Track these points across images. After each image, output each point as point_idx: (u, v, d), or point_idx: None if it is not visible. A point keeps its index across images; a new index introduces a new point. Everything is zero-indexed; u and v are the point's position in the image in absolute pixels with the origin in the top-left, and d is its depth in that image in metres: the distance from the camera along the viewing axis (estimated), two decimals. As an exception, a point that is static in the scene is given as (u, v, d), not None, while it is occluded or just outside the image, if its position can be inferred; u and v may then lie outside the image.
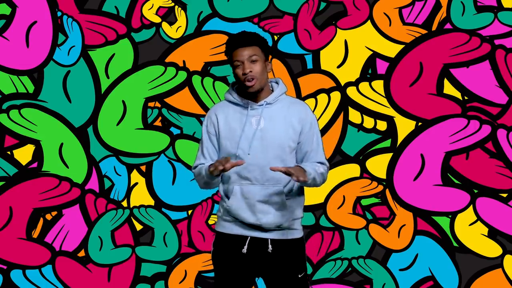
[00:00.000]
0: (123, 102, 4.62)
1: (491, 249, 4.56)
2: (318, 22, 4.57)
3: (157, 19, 4.63)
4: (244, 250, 3.13)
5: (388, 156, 4.57)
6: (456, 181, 4.54)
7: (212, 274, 4.61)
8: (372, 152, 4.58)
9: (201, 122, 4.60)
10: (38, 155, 4.64)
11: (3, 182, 4.66)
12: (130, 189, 4.66)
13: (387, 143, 4.58)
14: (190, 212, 4.65)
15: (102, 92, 4.62)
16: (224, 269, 3.17)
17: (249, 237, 3.13)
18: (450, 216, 4.56)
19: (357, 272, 4.63)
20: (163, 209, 4.65)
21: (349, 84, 4.57)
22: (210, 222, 4.64)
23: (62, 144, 4.64)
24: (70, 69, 4.62)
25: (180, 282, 4.68)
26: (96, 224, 4.65)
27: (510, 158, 4.51)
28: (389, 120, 4.57)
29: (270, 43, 4.23)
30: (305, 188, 3.21)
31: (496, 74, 4.50)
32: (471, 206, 4.54)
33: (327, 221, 4.61)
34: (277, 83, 3.20)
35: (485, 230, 4.55)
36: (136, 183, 4.66)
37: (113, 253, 4.67)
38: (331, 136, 4.56)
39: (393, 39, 4.54)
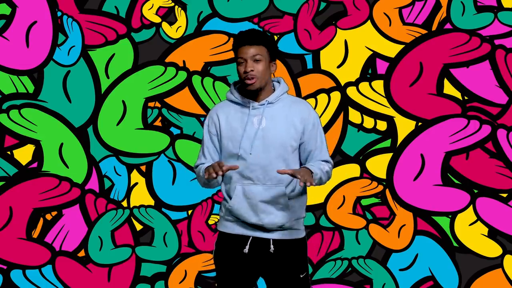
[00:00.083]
0: (123, 102, 4.61)
1: (491, 249, 4.56)
2: (318, 22, 4.57)
3: (157, 19, 4.62)
4: (246, 250, 3.12)
5: (388, 156, 4.57)
6: (456, 181, 4.54)
7: (212, 274, 4.62)
8: (372, 152, 4.58)
9: (201, 122, 4.60)
10: (38, 155, 4.63)
11: (3, 182, 4.65)
12: (130, 189, 4.66)
13: (387, 143, 4.58)
14: (190, 212, 4.65)
15: (102, 92, 4.62)
16: (226, 269, 3.16)
17: (251, 237, 3.13)
18: (450, 216, 4.56)
19: (357, 272, 4.62)
20: (163, 209, 4.65)
21: (349, 84, 4.57)
22: (210, 222, 4.64)
23: (62, 144, 4.63)
24: (70, 69, 4.62)
25: (180, 282, 4.67)
26: (96, 224, 4.65)
27: (510, 158, 4.51)
28: (389, 120, 4.57)
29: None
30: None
31: (496, 74, 4.51)
32: (471, 206, 4.54)
33: (327, 221, 4.60)
34: (278, 82, 3.20)
35: (485, 230, 4.55)
36: (136, 183, 4.66)
37: (113, 253, 4.67)
38: (331, 136, 4.56)
39: (393, 39, 4.54)
